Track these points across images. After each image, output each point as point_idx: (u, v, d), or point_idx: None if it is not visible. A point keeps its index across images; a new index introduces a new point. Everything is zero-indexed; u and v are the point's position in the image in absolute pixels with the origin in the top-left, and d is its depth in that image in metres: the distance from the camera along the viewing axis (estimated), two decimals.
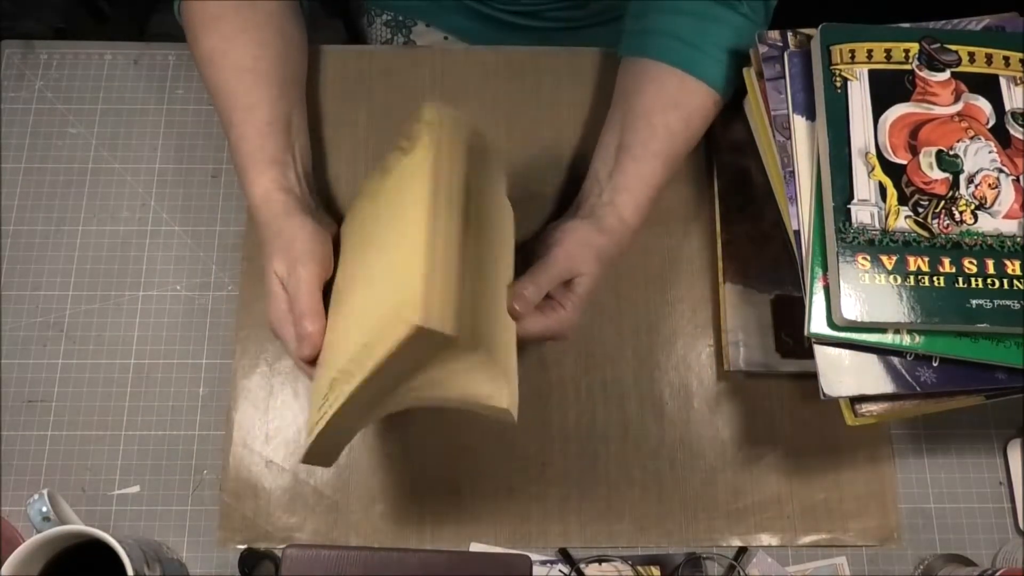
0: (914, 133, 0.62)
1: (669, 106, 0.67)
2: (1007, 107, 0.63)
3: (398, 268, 0.51)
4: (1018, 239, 0.60)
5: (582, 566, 0.66)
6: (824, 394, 0.59)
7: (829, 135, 0.62)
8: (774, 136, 0.65)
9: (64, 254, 0.73)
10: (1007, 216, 0.60)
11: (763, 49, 0.67)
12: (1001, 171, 0.61)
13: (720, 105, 0.70)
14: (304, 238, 0.60)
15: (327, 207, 0.71)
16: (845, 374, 0.59)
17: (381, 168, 0.62)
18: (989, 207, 0.61)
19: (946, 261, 0.59)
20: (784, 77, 0.66)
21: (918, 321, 0.57)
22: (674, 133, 0.67)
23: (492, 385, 0.53)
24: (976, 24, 0.67)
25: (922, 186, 0.61)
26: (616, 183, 0.66)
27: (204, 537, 0.66)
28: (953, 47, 0.65)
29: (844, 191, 0.60)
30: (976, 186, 0.61)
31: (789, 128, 0.65)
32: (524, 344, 0.60)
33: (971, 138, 0.62)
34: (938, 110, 0.63)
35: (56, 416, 0.69)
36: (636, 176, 0.66)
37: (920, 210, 0.60)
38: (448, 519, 0.67)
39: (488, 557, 0.59)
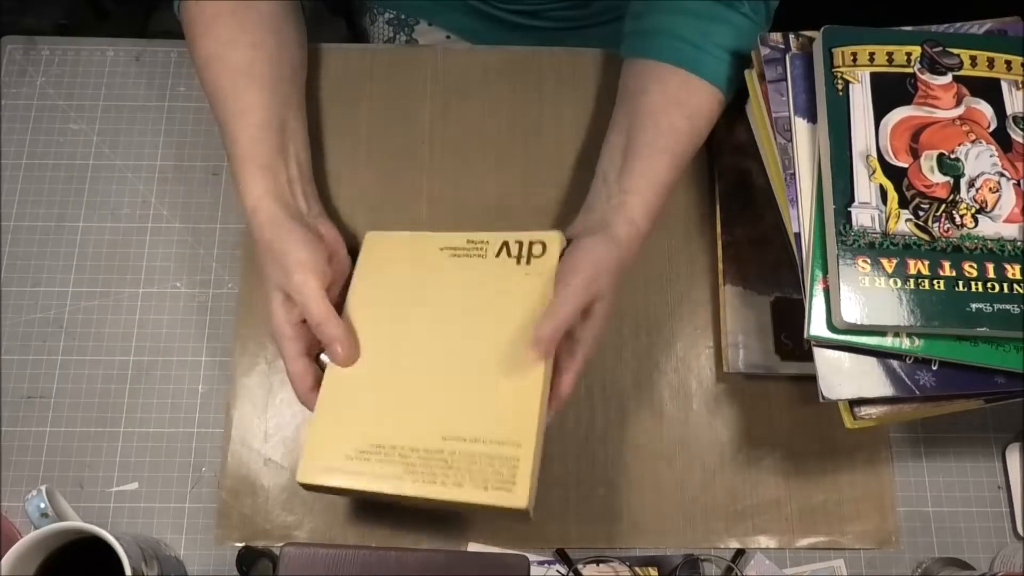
0: (915, 136, 0.62)
1: (674, 105, 0.67)
2: (1008, 111, 0.63)
3: (508, 425, 0.57)
4: (1018, 243, 0.60)
5: (580, 567, 0.66)
6: (823, 397, 0.59)
7: (830, 138, 0.62)
8: (775, 138, 0.65)
9: (64, 250, 0.73)
10: (1008, 220, 0.60)
11: (765, 51, 0.67)
12: (1002, 175, 0.61)
13: (723, 104, 0.70)
14: (295, 248, 0.60)
15: (325, 205, 0.71)
16: (844, 377, 0.59)
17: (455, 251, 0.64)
18: (990, 211, 0.61)
19: (946, 264, 0.59)
20: (786, 79, 0.66)
21: (918, 324, 0.57)
22: (679, 132, 0.67)
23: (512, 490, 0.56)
24: (978, 28, 0.67)
25: (923, 189, 0.61)
26: (624, 185, 0.65)
27: (202, 535, 0.66)
28: (955, 51, 0.64)
29: (845, 194, 0.60)
30: (977, 190, 0.61)
31: (790, 130, 0.65)
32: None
33: (972, 142, 0.62)
34: (940, 113, 0.63)
35: (55, 412, 0.69)
36: (643, 177, 0.65)
37: (921, 213, 0.60)
38: (446, 518, 0.67)
39: (486, 557, 0.59)
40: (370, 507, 0.67)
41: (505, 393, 0.58)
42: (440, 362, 0.60)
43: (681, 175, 0.68)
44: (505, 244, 0.63)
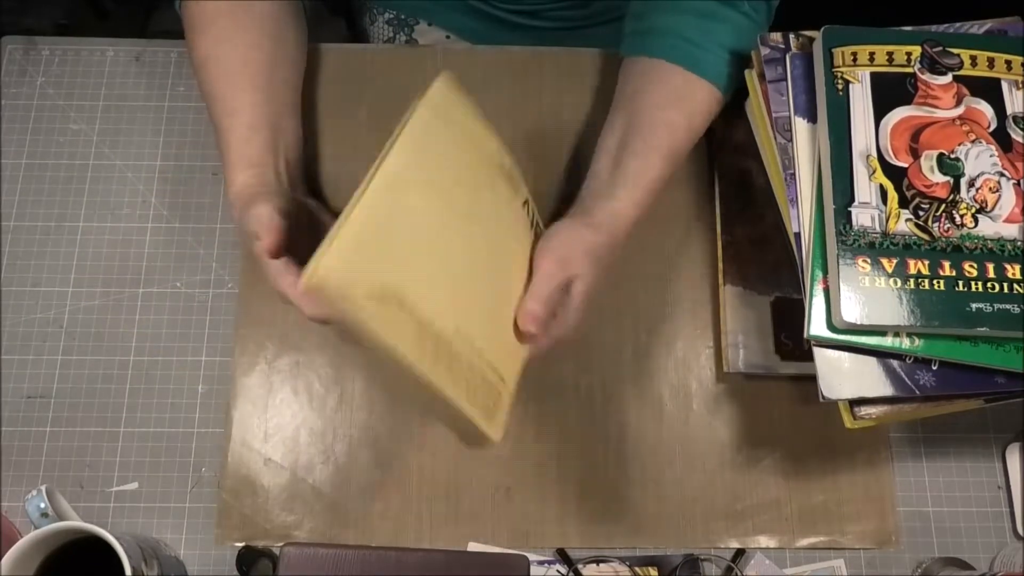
0: (915, 136, 0.62)
1: (672, 103, 0.67)
2: (1008, 111, 0.63)
3: (501, 357, 0.58)
4: (1018, 243, 0.60)
5: (580, 567, 0.66)
6: (823, 396, 0.59)
7: (830, 137, 0.62)
8: (775, 138, 0.65)
9: (64, 250, 0.73)
10: (1008, 220, 0.60)
11: (765, 51, 0.67)
12: (1002, 175, 0.61)
13: (722, 103, 0.70)
14: (261, 201, 0.58)
15: (324, 205, 0.71)
16: (844, 377, 0.59)
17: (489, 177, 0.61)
18: (990, 211, 0.61)
19: (946, 264, 0.59)
20: (786, 79, 0.66)
21: (918, 324, 0.57)
22: (676, 129, 0.67)
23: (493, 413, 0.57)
24: (978, 28, 0.67)
25: (923, 189, 0.61)
26: (615, 179, 0.66)
27: (202, 534, 0.66)
28: (955, 50, 0.64)
29: (845, 193, 0.60)
30: (977, 190, 0.61)
31: (790, 130, 0.65)
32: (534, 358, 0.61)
33: (972, 142, 0.62)
34: (940, 113, 0.63)
35: (55, 412, 0.69)
36: (635, 172, 0.65)
37: (921, 213, 0.60)
38: (446, 518, 0.67)
39: (486, 557, 0.59)
40: (369, 506, 0.67)
41: (507, 327, 0.59)
42: (469, 257, 0.57)
43: (675, 170, 0.68)
44: (528, 203, 0.63)
